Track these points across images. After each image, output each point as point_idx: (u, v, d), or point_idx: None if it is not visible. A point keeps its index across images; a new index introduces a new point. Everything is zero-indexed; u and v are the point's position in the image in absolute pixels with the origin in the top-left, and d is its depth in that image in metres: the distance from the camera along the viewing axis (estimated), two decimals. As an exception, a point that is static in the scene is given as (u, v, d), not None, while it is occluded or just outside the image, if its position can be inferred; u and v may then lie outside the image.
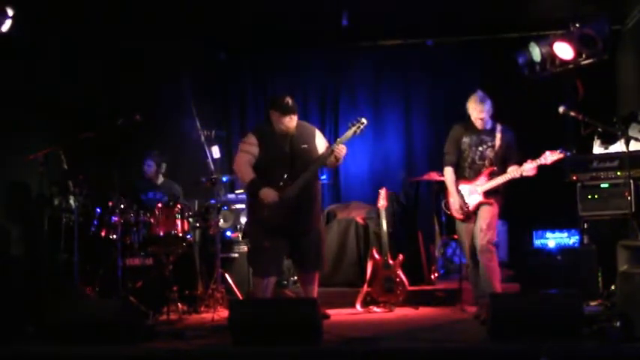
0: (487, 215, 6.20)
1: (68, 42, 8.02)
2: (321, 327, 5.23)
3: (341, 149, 6.22)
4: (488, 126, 6.34)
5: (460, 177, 6.39)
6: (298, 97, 6.34)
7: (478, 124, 6.31)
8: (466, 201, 6.30)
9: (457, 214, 6.38)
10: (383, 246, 7.16)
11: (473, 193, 6.29)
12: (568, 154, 6.16)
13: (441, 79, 8.99)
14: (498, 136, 6.29)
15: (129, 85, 8.52)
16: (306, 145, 6.33)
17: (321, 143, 6.42)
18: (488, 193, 6.24)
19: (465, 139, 6.37)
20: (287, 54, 9.11)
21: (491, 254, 6.15)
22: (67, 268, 6.79)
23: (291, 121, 6.27)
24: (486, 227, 6.15)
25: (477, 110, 6.26)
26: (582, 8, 7.68)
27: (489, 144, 6.31)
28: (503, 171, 6.23)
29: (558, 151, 6.11)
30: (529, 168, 6.08)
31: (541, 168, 6.12)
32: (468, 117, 6.37)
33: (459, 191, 6.34)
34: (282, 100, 6.24)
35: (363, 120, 6.30)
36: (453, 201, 6.34)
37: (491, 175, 6.25)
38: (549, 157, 6.10)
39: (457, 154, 6.41)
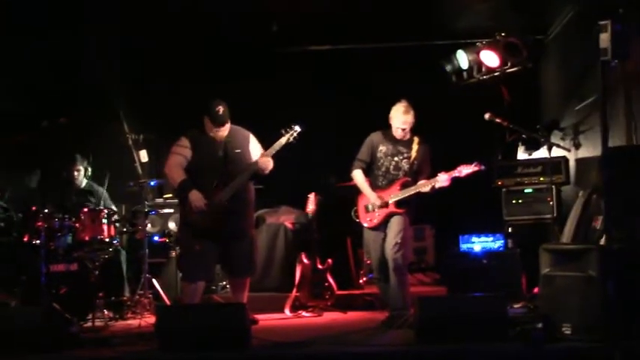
0: (398, 228, 6.20)
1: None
2: (250, 332, 5.21)
3: (265, 162, 6.20)
4: (407, 137, 6.36)
5: (373, 185, 6.38)
6: (229, 101, 6.26)
7: (399, 134, 6.33)
8: (376, 210, 6.31)
9: (366, 220, 6.37)
10: (312, 251, 7.17)
11: (383, 204, 6.27)
12: (483, 167, 6.21)
13: (370, 85, 9.03)
14: (415, 147, 6.30)
15: (54, 87, 8.31)
16: (239, 150, 6.30)
17: (255, 148, 6.40)
18: (398, 204, 6.25)
19: (382, 148, 6.38)
20: (217, 56, 9.03)
21: (404, 269, 6.21)
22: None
23: (220, 131, 6.21)
24: (401, 242, 6.16)
25: (401, 120, 6.28)
26: (508, 18, 7.85)
27: (405, 155, 6.33)
28: (416, 183, 6.24)
29: (473, 165, 6.15)
30: (443, 179, 6.11)
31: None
32: (389, 126, 6.40)
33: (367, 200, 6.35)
34: (214, 109, 6.15)
35: (297, 127, 6.30)
36: (370, 196, 6.29)
37: (404, 186, 6.26)
38: (464, 170, 6.13)
39: (371, 161, 6.42)
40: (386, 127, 6.45)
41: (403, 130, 6.30)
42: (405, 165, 6.32)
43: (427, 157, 6.38)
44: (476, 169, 6.16)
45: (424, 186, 6.17)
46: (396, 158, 6.34)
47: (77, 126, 7.25)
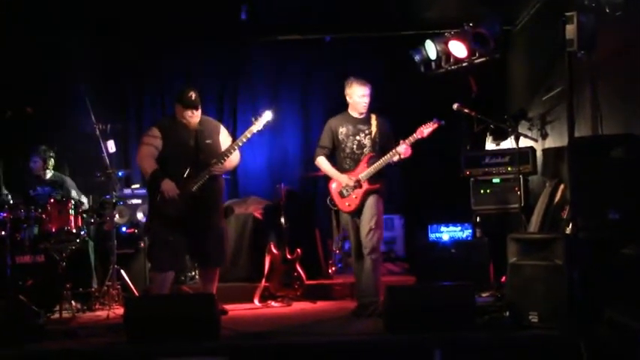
0: (372, 212, 6.21)
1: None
2: (219, 322, 5.19)
3: (218, 169, 6.18)
4: (364, 115, 6.38)
5: (340, 168, 6.38)
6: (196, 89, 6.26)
7: (361, 107, 6.32)
8: (352, 192, 6.30)
9: (345, 206, 6.35)
10: (281, 241, 7.17)
11: (356, 183, 6.28)
12: (442, 122, 6.24)
13: (339, 76, 9.01)
14: (374, 123, 6.33)
15: (19, 75, 8.20)
16: (210, 141, 6.30)
17: (225, 139, 6.41)
18: (372, 180, 6.26)
19: (342, 129, 6.38)
20: (185, 47, 8.96)
21: (378, 254, 6.22)
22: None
23: (193, 116, 6.21)
24: (375, 226, 6.17)
25: (361, 90, 6.30)
26: (476, 9, 7.88)
27: (366, 132, 6.34)
28: (381, 157, 6.26)
29: (432, 122, 6.21)
30: (405, 147, 6.14)
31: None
32: (346, 108, 6.43)
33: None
34: (186, 94, 6.18)
35: (267, 115, 6.27)
36: (341, 178, 6.29)
37: (371, 162, 6.27)
38: (425, 130, 6.18)
39: (333, 146, 6.42)
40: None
41: (366, 96, 6.30)
42: (367, 142, 6.32)
43: (388, 129, 6.41)
44: (436, 125, 6.21)
45: (392, 156, 6.18)
46: (357, 137, 6.34)
47: (43, 116, 7.17)
